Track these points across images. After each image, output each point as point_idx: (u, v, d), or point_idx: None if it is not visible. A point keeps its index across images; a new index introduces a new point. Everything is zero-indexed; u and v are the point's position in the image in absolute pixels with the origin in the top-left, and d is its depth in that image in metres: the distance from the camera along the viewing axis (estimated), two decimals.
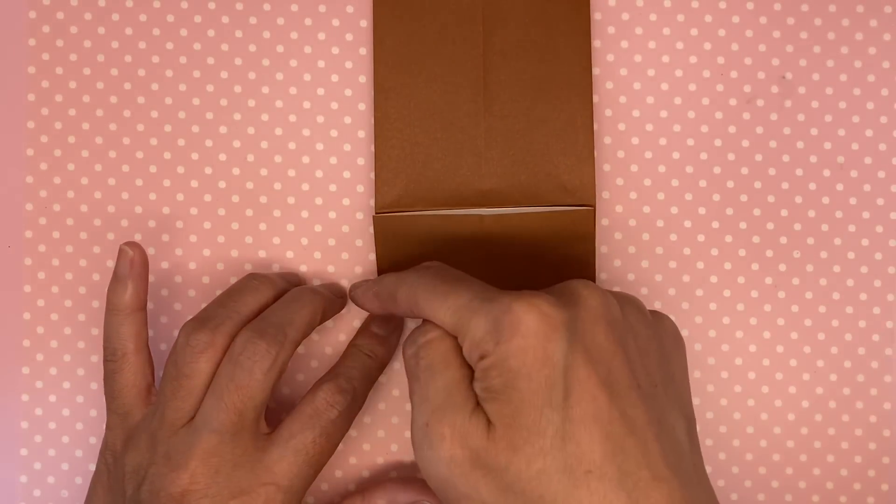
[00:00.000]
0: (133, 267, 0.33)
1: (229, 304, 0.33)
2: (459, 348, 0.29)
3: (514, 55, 0.35)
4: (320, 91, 0.36)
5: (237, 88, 0.36)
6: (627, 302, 0.29)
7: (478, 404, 0.27)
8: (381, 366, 0.35)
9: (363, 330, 0.36)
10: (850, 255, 0.36)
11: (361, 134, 0.36)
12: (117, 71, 0.36)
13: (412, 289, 0.30)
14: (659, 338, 0.29)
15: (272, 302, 0.34)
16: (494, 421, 0.27)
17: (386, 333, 0.36)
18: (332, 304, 0.35)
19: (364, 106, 0.36)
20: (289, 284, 0.35)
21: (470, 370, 0.28)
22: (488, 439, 0.26)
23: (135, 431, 0.32)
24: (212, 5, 0.36)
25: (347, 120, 0.36)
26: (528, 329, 0.27)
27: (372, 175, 0.36)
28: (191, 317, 0.33)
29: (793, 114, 0.36)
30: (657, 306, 0.36)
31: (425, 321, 0.30)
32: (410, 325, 0.37)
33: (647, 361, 0.28)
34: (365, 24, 0.36)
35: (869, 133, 0.36)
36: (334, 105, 0.36)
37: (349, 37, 0.36)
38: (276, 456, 0.31)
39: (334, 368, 0.34)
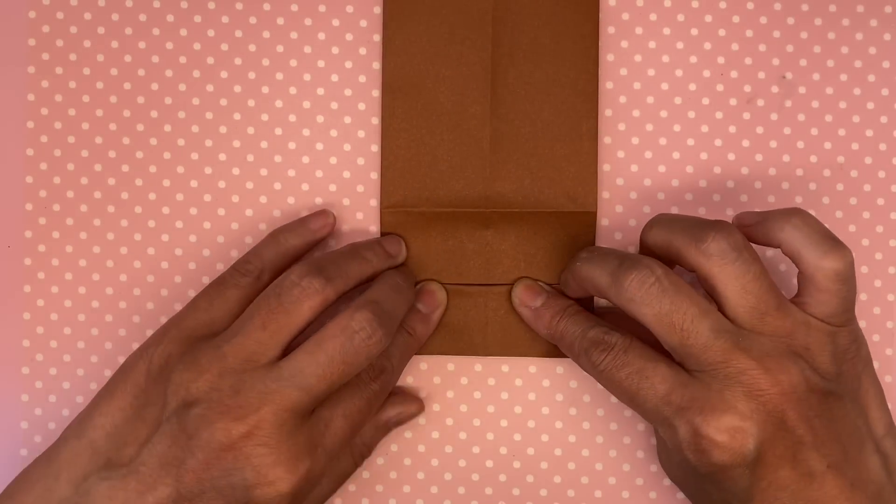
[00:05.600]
0: (322, 230, 0.35)
1: (345, 266, 0.32)
2: None
3: (522, 59, 0.35)
4: (320, 91, 0.36)
5: (237, 88, 0.36)
6: (813, 353, 0.30)
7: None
8: (420, 343, 0.35)
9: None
10: None
11: (361, 134, 0.36)
12: (117, 71, 0.36)
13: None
14: (844, 379, 0.31)
15: (373, 276, 0.34)
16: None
17: (429, 311, 0.35)
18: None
19: (364, 106, 0.36)
20: (390, 261, 0.35)
21: None
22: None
23: (199, 346, 0.31)
24: (212, 5, 0.36)
25: (347, 120, 0.36)
26: (722, 453, 0.29)
27: (372, 175, 0.36)
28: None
29: (793, 114, 0.36)
30: None
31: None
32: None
33: (834, 427, 0.30)
34: (365, 24, 0.36)
35: (869, 133, 0.36)
36: (334, 105, 0.36)
37: (349, 37, 0.36)
38: (326, 415, 0.31)
39: None
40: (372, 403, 0.33)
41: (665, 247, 0.31)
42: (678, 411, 0.29)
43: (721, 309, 0.30)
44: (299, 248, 0.34)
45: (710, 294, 0.31)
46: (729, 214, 0.36)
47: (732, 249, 0.30)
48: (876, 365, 0.36)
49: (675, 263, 0.32)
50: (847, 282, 0.30)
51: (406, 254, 0.36)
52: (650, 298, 0.30)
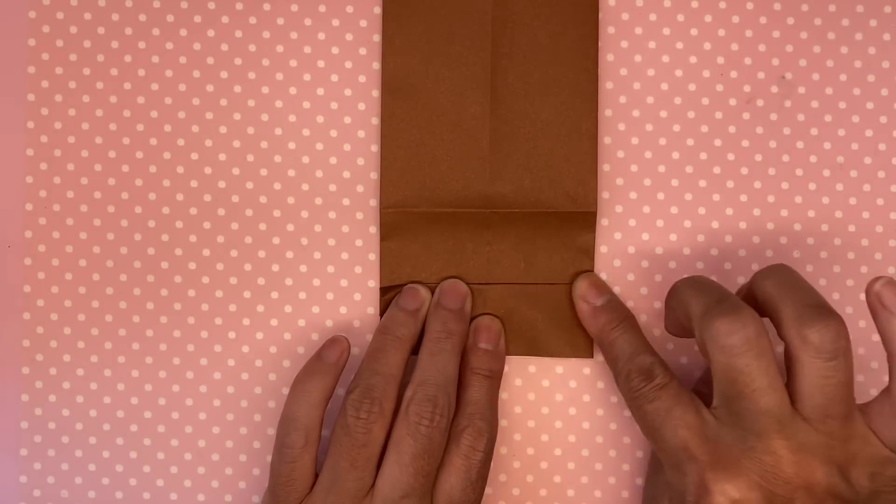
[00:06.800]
0: (341, 359, 0.34)
1: (383, 371, 0.33)
2: None
3: (521, 58, 0.35)
4: (320, 91, 0.36)
5: (237, 88, 0.36)
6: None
7: None
8: (499, 379, 0.36)
9: (472, 348, 0.36)
10: (850, 256, 0.36)
11: (361, 134, 0.36)
12: (117, 71, 0.36)
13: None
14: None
15: (415, 344, 0.35)
16: None
17: (493, 345, 0.36)
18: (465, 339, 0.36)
19: (364, 106, 0.36)
20: (418, 322, 0.35)
21: None
22: None
23: None
24: (212, 5, 0.36)
25: (347, 120, 0.36)
26: None
27: (372, 175, 0.36)
28: (351, 388, 0.33)
29: (793, 114, 0.36)
30: (656, 306, 0.36)
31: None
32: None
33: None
34: (365, 24, 0.36)
35: (869, 133, 0.36)
36: (334, 105, 0.36)
37: (349, 37, 0.36)
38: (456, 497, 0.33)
39: (462, 404, 0.34)
40: (484, 466, 0.34)
41: (769, 302, 0.30)
42: (692, 459, 0.29)
43: (790, 385, 0.30)
44: (330, 390, 0.34)
45: (787, 367, 0.30)
46: (729, 214, 0.36)
47: (832, 349, 0.29)
48: (874, 365, 0.36)
49: (765, 316, 0.31)
50: None
51: (428, 296, 0.36)
52: (730, 349, 0.29)
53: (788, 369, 0.30)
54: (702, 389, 0.32)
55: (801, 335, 0.29)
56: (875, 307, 0.30)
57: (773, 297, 0.30)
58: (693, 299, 0.31)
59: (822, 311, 0.29)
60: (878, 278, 0.30)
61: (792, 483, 0.28)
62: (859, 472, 0.29)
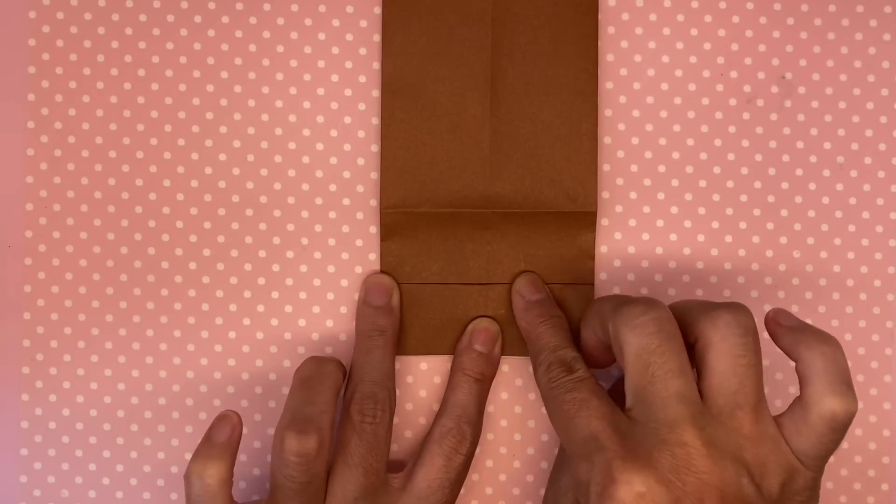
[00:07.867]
0: (234, 435, 0.33)
1: (317, 400, 0.32)
2: None
3: (521, 58, 0.35)
4: (320, 91, 0.36)
5: (237, 88, 0.36)
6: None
7: None
8: (490, 383, 0.36)
9: (466, 349, 0.36)
10: (850, 256, 0.36)
11: (362, 134, 0.36)
12: (117, 71, 0.36)
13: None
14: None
15: (345, 373, 0.35)
16: None
17: (489, 349, 0.36)
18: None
19: (364, 106, 0.36)
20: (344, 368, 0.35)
21: None
22: None
23: None
24: (212, 5, 0.36)
25: (348, 120, 0.36)
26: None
27: (372, 175, 0.36)
28: (280, 418, 0.32)
29: (793, 114, 0.36)
30: None
31: None
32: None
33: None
34: (365, 24, 0.36)
35: (869, 133, 0.36)
36: (334, 105, 0.36)
37: (349, 37, 0.36)
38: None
39: (450, 405, 0.34)
40: (460, 475, 0.34)
41: (677, 316, 0.31)
42: (601, 449, 0.29)
43: (702, 381, 0.30)
44: (228, 474, 0.32)
45: (698, 367, 0.30)
46: (729, 214, 0.36)
47: (740, 325, 0.29)
48: (874, 365, 0.36)
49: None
50: (837, 431, 0.29)
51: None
52: (642, 330, 0.29)
53: (699, 364, 0.30)
54: (615, 397, 0.32)
55: (711, 318, 0.29)
56: (774, 330, 0.31)
57: (679, 311, 0.31)
58: (607, 301, 0.32)
59: (726, 303, 0.30)
60: (770, 310, 0.32)
61: (703, 478, 0.27)
62: (771, 481, 0.29)
